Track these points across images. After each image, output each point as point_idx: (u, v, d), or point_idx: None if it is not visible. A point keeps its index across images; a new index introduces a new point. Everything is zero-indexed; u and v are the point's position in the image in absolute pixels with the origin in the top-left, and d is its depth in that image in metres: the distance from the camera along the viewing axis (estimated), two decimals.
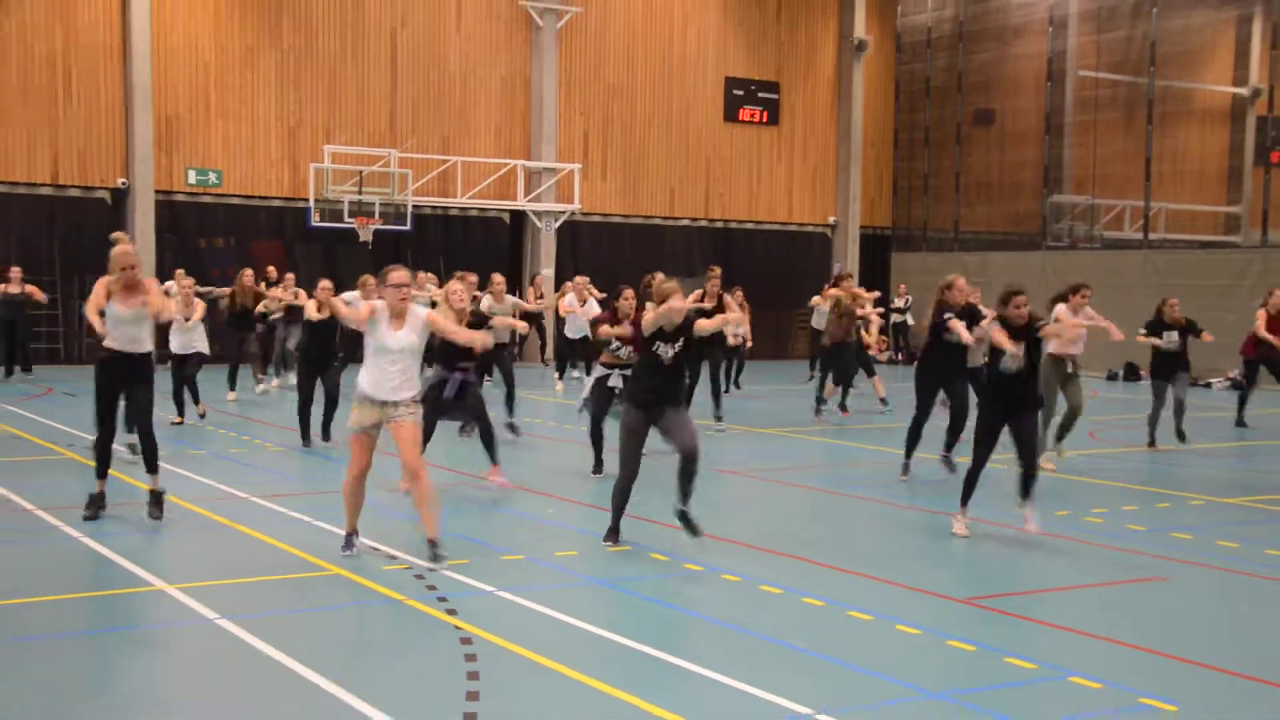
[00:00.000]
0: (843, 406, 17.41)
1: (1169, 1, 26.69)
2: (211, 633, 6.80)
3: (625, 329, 11.06)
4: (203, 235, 25.35)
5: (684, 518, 8.86)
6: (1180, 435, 14.63)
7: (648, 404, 8.76)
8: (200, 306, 15.19)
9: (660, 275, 13.00)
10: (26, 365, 21.05)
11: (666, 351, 8.72)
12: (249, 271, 19.55)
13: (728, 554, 8.71)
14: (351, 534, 8.48)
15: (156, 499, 9.53)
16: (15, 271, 20.88)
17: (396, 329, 8.18)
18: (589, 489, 11.50)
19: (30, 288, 20.72)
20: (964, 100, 30.58)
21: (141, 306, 9.27)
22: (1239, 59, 29.55)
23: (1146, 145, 26.74)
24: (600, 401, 11.51)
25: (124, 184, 24.20)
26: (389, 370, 8.16)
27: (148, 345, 9.45)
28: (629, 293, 11.71)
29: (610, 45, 28.64)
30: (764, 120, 30.52)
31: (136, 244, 23.68)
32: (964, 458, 10.18)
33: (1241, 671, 6.34)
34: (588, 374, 21.00)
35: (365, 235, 25.10)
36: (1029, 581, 8.49)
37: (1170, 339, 14.47)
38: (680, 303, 8.64)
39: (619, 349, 11.31)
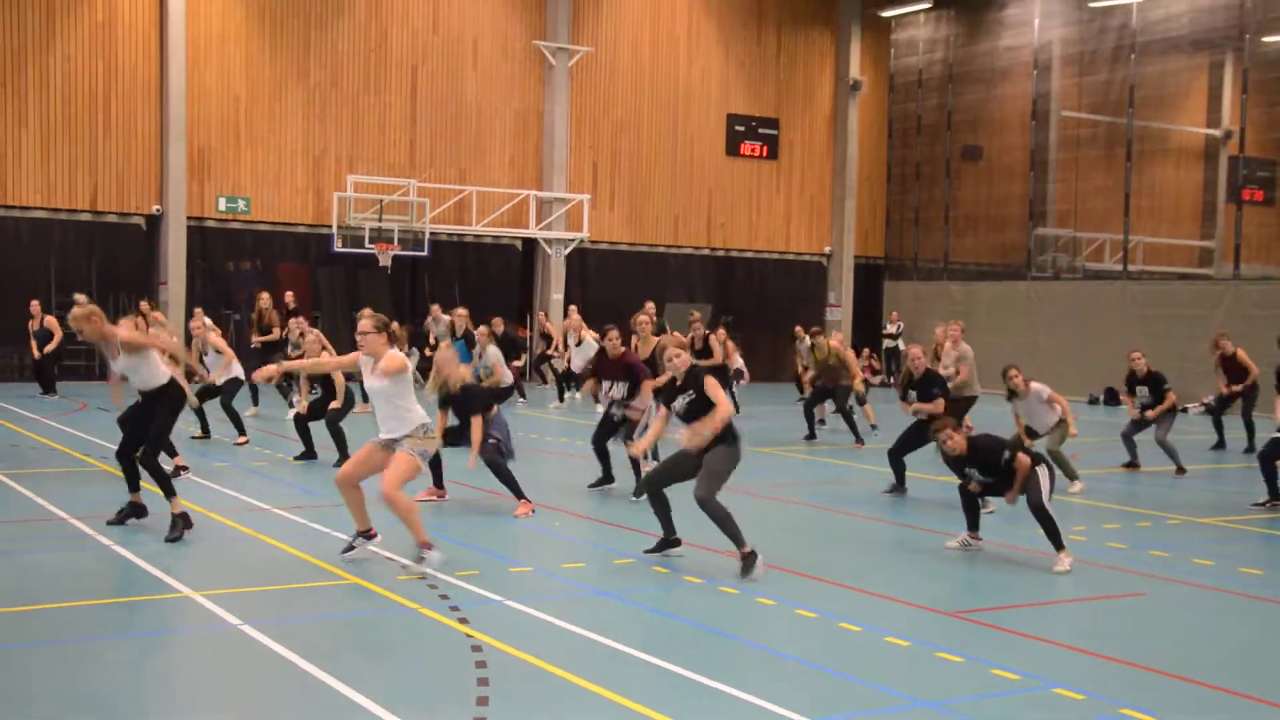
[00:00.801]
0: (858, 439, 16.85)
1: (1146, 47, 26.75)
2: (234, 637, 6.76)
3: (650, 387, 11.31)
4: (231, 259, 25.40)
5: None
6: (1179, 470, 14.54)
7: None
8: (214, 338, 15.06)
9: (650, 305, 13.07)
10: (50, 387, 20.76)
11: (681, 405, 8.65)
12: (266, 295, 19.54)
13: (725, 568, 8.66)
14: (361, 534, 8.53)
15: (172, 522, 9.29)
16: (35, 305, 20.82)
17: (371, 372, 8.35)
18: (595, 503, 11.47)
19: (50, 321, 20.63)
20: (953, 137, 30.63)
21: (130, 355, 9.25)
22: (1212, 102, 29.63)
23: (1126, 182, 26.76)
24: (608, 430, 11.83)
25: (158, 210, 24.25)
26: (378, 411, 8.41)
27: (159, 380, 9.41)
28: (614, 333, 11.75)
29: (619, 83, 28.72)
30: (764, 154, 30.57)
31: (169, 268, 23.98)
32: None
33: (1216, 683, 6.30)
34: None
35: (385, 261, 25.14)
36: (1014, 596, 8.44)
37: (1143, 395, 14.50)
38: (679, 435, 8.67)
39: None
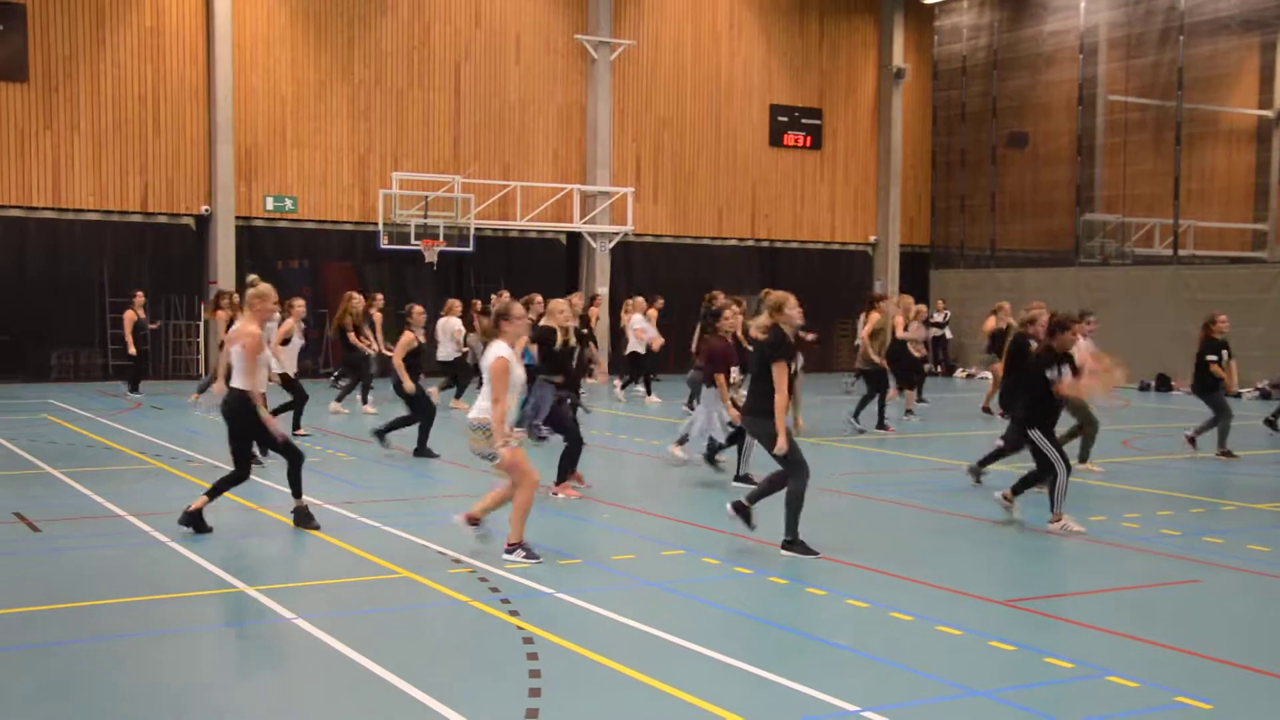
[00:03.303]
0: (881, 424, 16.74)
1: (1195, 28, 26.34)
2: (288, 631, 6.84)
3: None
4: (279, 258, 25.65)
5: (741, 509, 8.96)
6: (1227, 452, 14.37)
7: None
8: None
9: (720, 294, 13.09)
10: (135, 386, 21.13)
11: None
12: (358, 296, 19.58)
13: (774, 558, 8.65)
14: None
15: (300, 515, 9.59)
16: (139, 297, 21.18)
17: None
18: (642, 495, 11.48)
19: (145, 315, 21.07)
20: (998, 124, 30.33)
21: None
22: (1263, 82, 29.13)
23: (1175, 165, 26.37)
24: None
25: (207, 211, 24.53)
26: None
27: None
28: (729, 311, 12.12)
29: (661, 76, 28.69)
30: (807, 145, 30.42)
31: (218, 267, 24.26)
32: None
33: (1275, 671, 6.21)
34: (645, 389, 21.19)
35: (430, 257, 25.28)
36: (1066, 584, 8.36)
37: (1223, 359, 14.32)
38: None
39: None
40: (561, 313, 11.41)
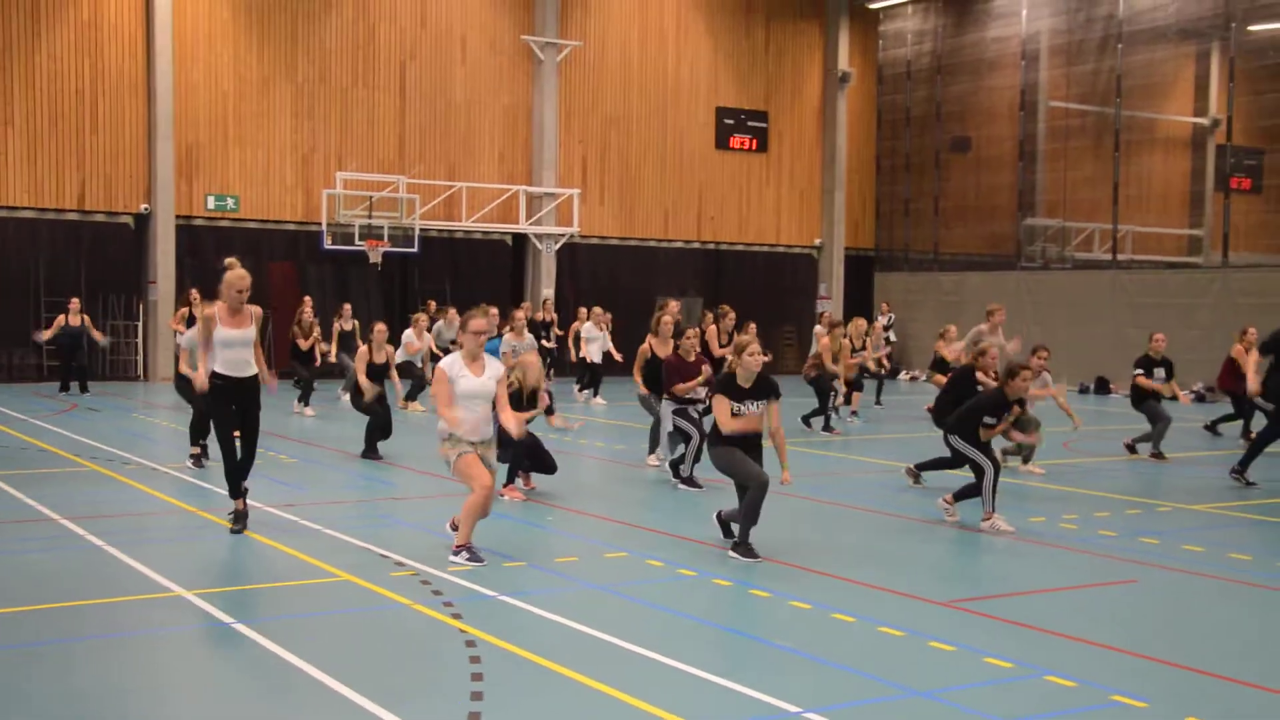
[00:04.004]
0: (827, 428, 17.03)
1: (1133, 37, 26.79)
2: (227, 636, 6.75)
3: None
4: (220, 258, 25.23)
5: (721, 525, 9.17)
6: (1159, 454, 14.68)
7: None
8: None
9: (672, 302, 13.28)
10: (84, 386, 21.01)
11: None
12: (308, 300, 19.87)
13: (718, 560, 8.67)
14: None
15: (243, 516, 9.43)
16: (74, 304, 21.03)
17: (476, 374, 8.39)
18: (586, 498, 11.46)
19: (88, 323, 20.87)
20: (942, 129, 30.65)
21: (249, 329, 9.21)
22: (1199, 91, 29.69)
23: (1114, 171, 26.80)
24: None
25: (147, 209, 24.17)
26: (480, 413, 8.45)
27: (254, 368, 9.38)
28: (691, 332, 12.19)
29: (607, 77, 28.69)
30: (753, 147, 30.56)
31: (158, 267, 23.96)
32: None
33: (1207, 669, 6.32)
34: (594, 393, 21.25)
35: (375, 257, 25.10)
36: (1006, 585, 8.45)
37: (1159, 376, 14.73)
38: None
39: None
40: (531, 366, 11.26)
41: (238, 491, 9.41)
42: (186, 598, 7.45)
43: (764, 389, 8.83)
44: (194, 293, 17.44)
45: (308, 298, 21.34)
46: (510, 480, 11.11)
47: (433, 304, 22.96)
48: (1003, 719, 5.52)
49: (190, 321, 15.03)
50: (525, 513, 10.46)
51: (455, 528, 8.65)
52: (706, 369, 12.00)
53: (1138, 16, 26.69)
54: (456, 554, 8.35)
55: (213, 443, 11.34)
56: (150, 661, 6.47)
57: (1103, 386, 25.40)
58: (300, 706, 5.67)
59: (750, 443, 8.82)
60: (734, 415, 8.73)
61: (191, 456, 12.66)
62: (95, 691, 5.83)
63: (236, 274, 9.31)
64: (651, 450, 13.32)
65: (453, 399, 8.24)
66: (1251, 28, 25.56)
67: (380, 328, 14.57)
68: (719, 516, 9.24)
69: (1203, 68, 29.15)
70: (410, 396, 18.87)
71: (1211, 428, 17.25)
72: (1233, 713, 5.72)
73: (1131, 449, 14.96)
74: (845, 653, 6.51)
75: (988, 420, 10.09)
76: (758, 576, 8.18)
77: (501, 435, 10.47)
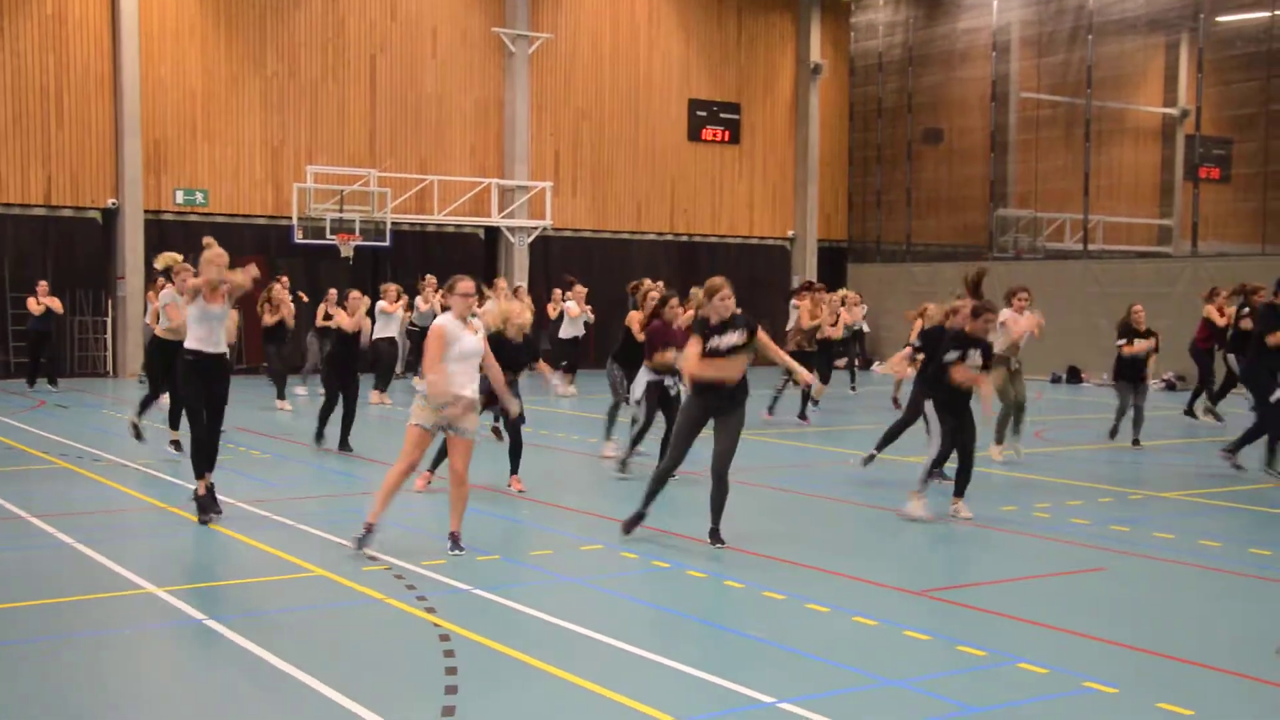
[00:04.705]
0: (802, 415, 17.22)
1: (1103, 28, 26.95)
2: (199, 633, 6.72)
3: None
4: (190, 252, 25.05)
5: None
6: (1136, 442, 14.71)
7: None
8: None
9: (648, 281, 12.96)
10: (53, 380, 20.92)
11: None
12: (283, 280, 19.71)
13: (692, 551, 8.70)
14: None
15: (212, 494, 9.48)
16: (42, 286, 20.92)
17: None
18: (561, 491, 11.46)
19: (50, 300, 20.80)
20: (914, 120, 30.76)
21: (224, 305, 9.31)
22: (1168, 81, 29.87)
23: (1085, 162, 26.97)
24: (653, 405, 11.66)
25: (114, 204, 23.99)
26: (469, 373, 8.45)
27: (224, 346, 9.54)
28: (674, 301, 11.79)
29: (579, 69, 28.65)
30: (726, 139, 30.59)
31: (127, 262, 23.78)
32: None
33: (1176, 654, 6.38)
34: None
35: (346, 251, 25.00)
36: (979, 574, 8.51)
37: (1142, 345, 14.60)
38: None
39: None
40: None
41: (202, 470, 9.44)
42: (158, 595, 7.41)
43: (740, 321, 8.54)
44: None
45: (284, 277, 20.99)
46: (515, 470, 11.12)
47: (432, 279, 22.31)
48: (976, 707, 5.56)
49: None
50: (499, 506, 10.45)
51: (453, 538, 8.49)
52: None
53: (1107, 8, 26.86)
54: (365, 535, 8.34)
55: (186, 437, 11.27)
56: (122, 659, 6.43)
57: (1074, 376, 25.57)
58: (273, 703, 5.65)
59: (722, 396, 8.56)
60: (707, 355, 8.47)
61: (172, 443, 12.76)
62: (65, 690, 5.79)
63: (215, 251, 9.54)
64: (608, 437, 13.16)
65: (440, 359, 8.24)
66: (1220, 18, 25.75)
67: (355, 294, 14.26)
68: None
69: (1172, 58, 29.35)
70: (380, 387, 18.85)
71: (1191, 412, 17.44)
72: (1202, 698, 5.79)
73: (1136, 441, 14.85)
74: (819, 643, 6.54)
75: (948, 357, 9.79)
76: (731, 568, 8.21)
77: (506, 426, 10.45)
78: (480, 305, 9.73)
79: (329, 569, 8.03)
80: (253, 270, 9.47)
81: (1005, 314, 12.95)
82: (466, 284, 8.47)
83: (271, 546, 8.73)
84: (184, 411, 9.58)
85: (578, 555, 8.71)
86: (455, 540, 8.45)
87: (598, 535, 9.27)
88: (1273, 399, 12.21)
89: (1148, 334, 14.71)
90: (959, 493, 10.08)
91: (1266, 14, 24.70)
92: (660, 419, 11.65)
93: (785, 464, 13.76)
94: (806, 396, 17.05)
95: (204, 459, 9.44)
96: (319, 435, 13.68)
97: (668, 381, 11.59)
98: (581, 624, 6.78)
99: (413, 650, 6.37)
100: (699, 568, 8.21)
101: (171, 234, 24.66)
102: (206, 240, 9.83)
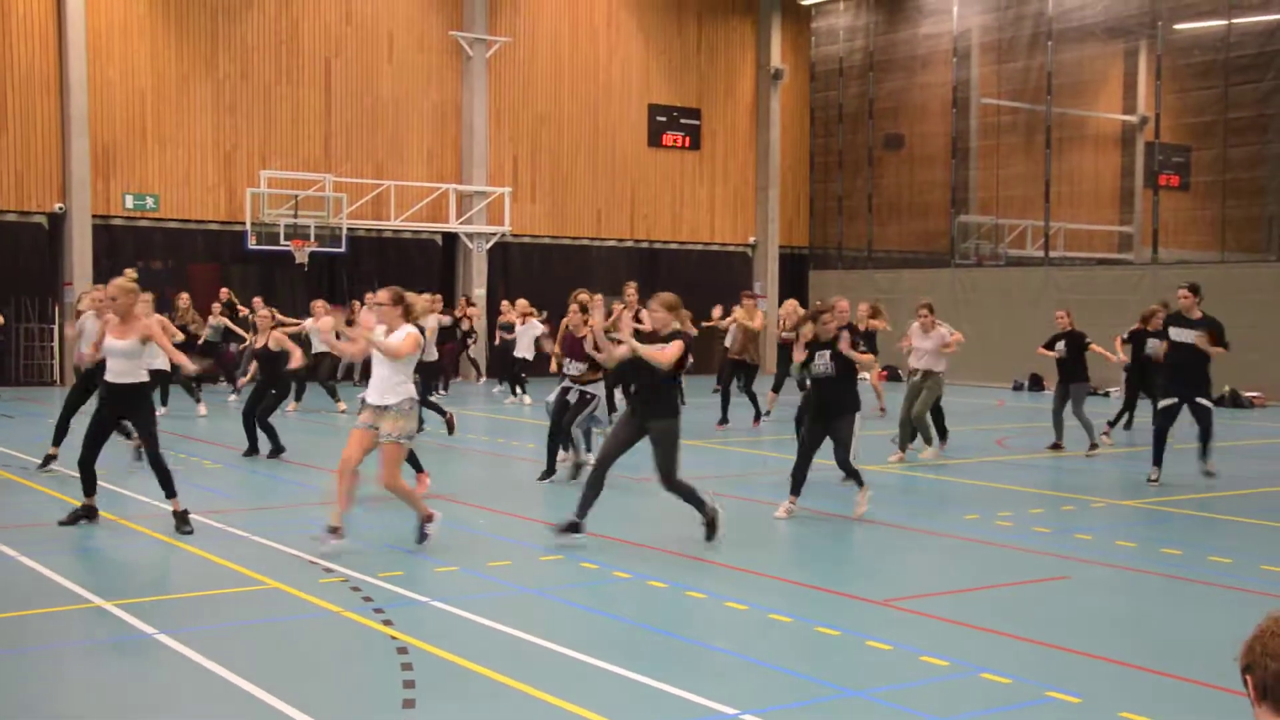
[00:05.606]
0: (756, 418, 17.52)
1: (1063, 34, 27.26)
2: (150, 648, 6.64)
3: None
4: (140, 258, 24.85)
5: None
6: (1057, 446, 14.98)
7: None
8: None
9: (585, 293, 13.27)
10: None
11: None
12: (185, 296, 19.50)
13: (653, 561, 8.69)
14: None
15: (182, 518, 9.48)
16: None
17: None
18: (519, 501, 11.42)
19: None
20: (875, 126, 30.95)
21: (135, 339, 9.42)
22: (1128, 89, 30.27)
23: (1045, 168, 27.26)
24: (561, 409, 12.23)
25: (61, 208, 23.70)
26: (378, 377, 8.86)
27: (140, 375, 9.57)
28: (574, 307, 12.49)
29: (538, 74, 28.62)
30: (686, 145, 30.66)
31: (74, 269, 23.48)
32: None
33: (1139, 663, 6.44)
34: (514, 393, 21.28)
35: (301, 258, 24.83)
36: (941, 583, 8.56)
37: (1059, 349, 14.98)
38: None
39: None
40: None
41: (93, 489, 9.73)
42: (106, 608, 7.31)
43: (665, 335, 9.27)
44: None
45: (224, 289, 21.16)
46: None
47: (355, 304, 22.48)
48: (939, 717, 5.59)
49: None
50: (455, 516, 10.39)
51: (425, 529, 8.97)
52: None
53: (1067, 14, 27.17)
54: (430, 525, 8.95)
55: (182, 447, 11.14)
56: (70, 677, 6.34)
57: (1036, 383, 25.80)
58: (227, 718, 5.59)
59: (640, 387, 9.20)
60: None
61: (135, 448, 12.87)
62: (12, 708, 5.70)
63: (116, 282, 9.68)
64: (566, 448, 13.21)
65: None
66: (1177, 26, 26.11)
67: (263, 313, 14.98)
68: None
69: (1131, 66, 29.74)
70: (297, 396, 18.79)
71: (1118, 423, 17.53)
72: (1165, 707, 5.84)
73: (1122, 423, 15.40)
74: (782, 654, 6.55)
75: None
76: (692, 578, 8.21)
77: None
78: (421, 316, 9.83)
79: (284, 581, 7.95)
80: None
81: (911, 327, 14.01)
82: (377, 295, 9.05)
83: (224, 558, 8.63)
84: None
85: (537, 565, 8.69)
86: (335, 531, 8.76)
87: (557, 545, 9.24)
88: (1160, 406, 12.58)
89: (1070, 335, 15.05)
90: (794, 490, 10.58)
91: (1223, 22, 25.08)
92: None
93: (743, 472, 13.79)
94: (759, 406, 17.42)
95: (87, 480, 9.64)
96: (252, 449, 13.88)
97: (569, 386, 12.23)
98: (541, 636, 6.75)
99: (370, 663, 6.32)
100: (660, 578, 8.21)
101: (121, 240, 24.44)
102: (126, 271, 10.24)
